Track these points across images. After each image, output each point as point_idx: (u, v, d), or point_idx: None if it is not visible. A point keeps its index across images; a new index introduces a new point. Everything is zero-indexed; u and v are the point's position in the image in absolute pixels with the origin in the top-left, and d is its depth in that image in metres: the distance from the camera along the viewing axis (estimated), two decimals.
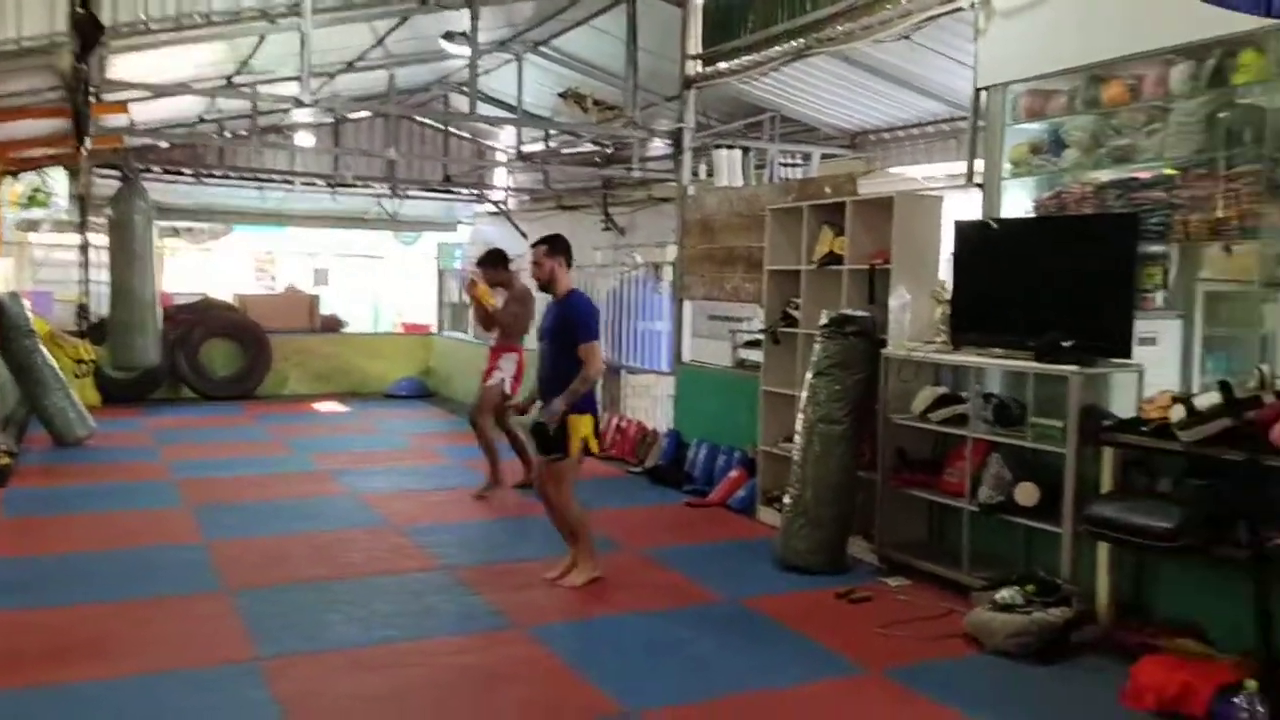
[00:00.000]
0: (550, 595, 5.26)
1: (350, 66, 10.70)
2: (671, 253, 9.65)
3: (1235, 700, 3.42)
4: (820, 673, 4.28)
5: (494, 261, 7.65)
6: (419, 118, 14.29)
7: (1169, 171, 4.87)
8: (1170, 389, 4.57)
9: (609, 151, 12.50)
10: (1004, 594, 4.59)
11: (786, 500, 5.86)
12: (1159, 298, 4.94)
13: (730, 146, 9.36)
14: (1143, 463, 4.45)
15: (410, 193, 15.64)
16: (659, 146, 10.92)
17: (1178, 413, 4.16)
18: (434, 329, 15.37)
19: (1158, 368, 4.82)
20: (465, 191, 15.88)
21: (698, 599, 5.26)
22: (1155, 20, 4.72)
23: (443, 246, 17.72)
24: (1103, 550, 4.56)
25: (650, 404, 10.10)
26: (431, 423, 11.70)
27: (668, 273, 10.21)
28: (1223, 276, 4.82)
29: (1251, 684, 3.41)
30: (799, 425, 5.86)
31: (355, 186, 14.57)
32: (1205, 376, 4.77)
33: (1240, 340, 4.74)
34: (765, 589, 5.40)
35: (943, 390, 5.53)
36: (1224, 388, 4.03)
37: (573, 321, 5.31)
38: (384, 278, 20.02)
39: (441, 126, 14.69)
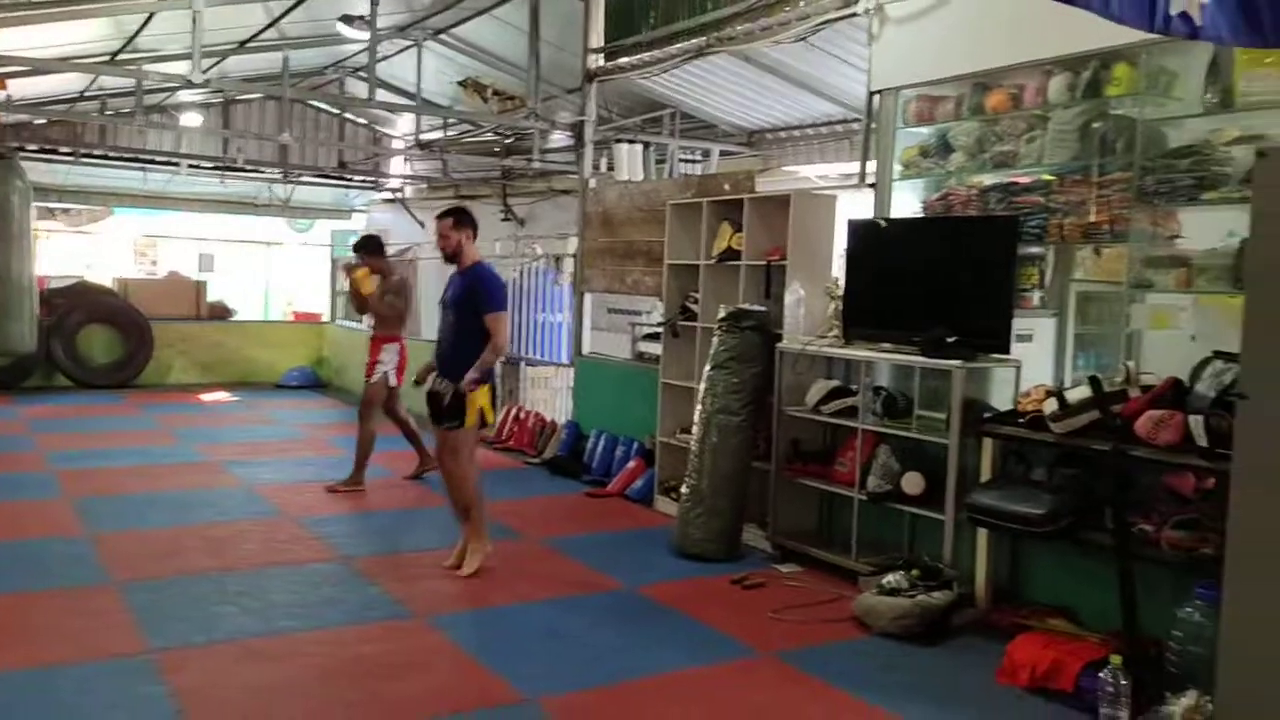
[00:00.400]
0: (450, 584, 5.26)
1: (242, 46, 10.40)
2: (572, 245, 9.68)
3: (1101, 675, 3.65)
4: (715, 656, 4.39)
5: (370, 248, 7.59)
6: (314, 102, 13.97)
7: (1046, 177, 5.13)
8: (1045, 383, 4.84)
9: (509, 142, 12.45)
10: (890, 579, 4.79)
11: (684, 490, 5.98)
12: (1036, 297, 5.21)
13: (631, 141, 9.45)
14: (1019, 453, 4.69)
15: (303, 178, 15.28)
16: (559, 138, 10.94)
17: (1051, 406, 4.40)
18: (327, 317, 15.06)
19: (1034, 363, 5.07)
20: (361, 178, 15.60)
21: (597, 587, 5.33)
22: (1037, 33, 4.96)
23: (337, 234, 17.38)
24: (982, 536, 4.79)
25: (549, 395, 10.14)
26: (325, 413, 11.49)
27: (568, 265, 10.24)
28: (1094, 278, 5.10)
29: (1116, 659, 3.64)
30: (697, 416, 5.99)
31: (245, 170, 14.16)
32: (1076, 372, 5.05)
33: (1108, 338, 5.04)
34: (663, 576, 5.51)
35: (835, 383, 5.72)
36: (1093, 383, 4.28)
37: (478, 291, 5.34)
38: (275, 265, 19.52)
39: (337, 111, 14.39)
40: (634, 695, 3.99)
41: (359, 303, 7.64)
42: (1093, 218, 4.88)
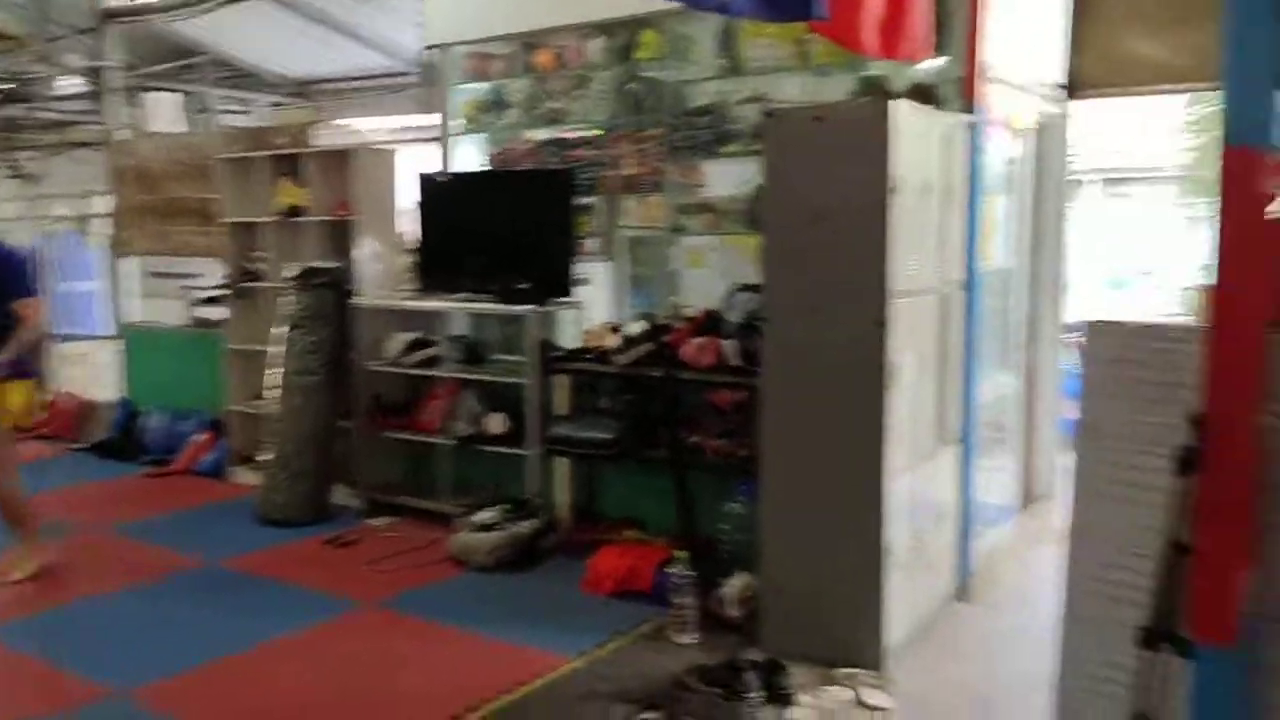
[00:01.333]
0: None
1: None
2: (101, 204, 8.75)
3: (670, 570, 4.19)
4: (316, 616, 4.39)
5: None
6: None
7: (594, 133, 5.61)
8: (607, 321, 5.34)
9: (8, 87, 10.84)
10: (482, 516, 5.06)
11: (266, 456, 5.80)
12: (593, 244, 5.69)
13: (165, 89, 8.70)
14: (590, 385, 5.15)
15: None
16: (75, 84, 9.74)
17: (614, 341, 4.90)
18: None
19: (596, 303, 5.57)
20: None
21: (176, 567, 5.05)
22: None
23: None
24: (561, 465, 5.21)
25: (89, 373, 9.13)
26: None
27: (98, 227, 9.24)
28: (640, 224, 5.65)
29: (681, 555, 4.20)
30: (275, 380, 5.81)
31: None
32: (632, 309, 5.61)
33: (656, 277, 5.64)
34: (249, 547, 5.33)
35: (415, 336, 5.83)
36: (647, 318, 4.83)
37: (3, 277, 4.73)
38: None
39: None
40: (234, 669, 3.89)
41: None
42: (634, 170, 5.43)
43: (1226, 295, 2.16)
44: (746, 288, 4.62)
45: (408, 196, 6.05)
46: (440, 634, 4.20)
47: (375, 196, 6.14)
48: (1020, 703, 3.46)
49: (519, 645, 4.06)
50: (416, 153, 6.87)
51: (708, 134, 5.21)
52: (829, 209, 3.74)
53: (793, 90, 5.03)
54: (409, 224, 6.09)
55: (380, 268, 6.07)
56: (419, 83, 6.52)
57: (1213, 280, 2.20)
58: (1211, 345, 2.18)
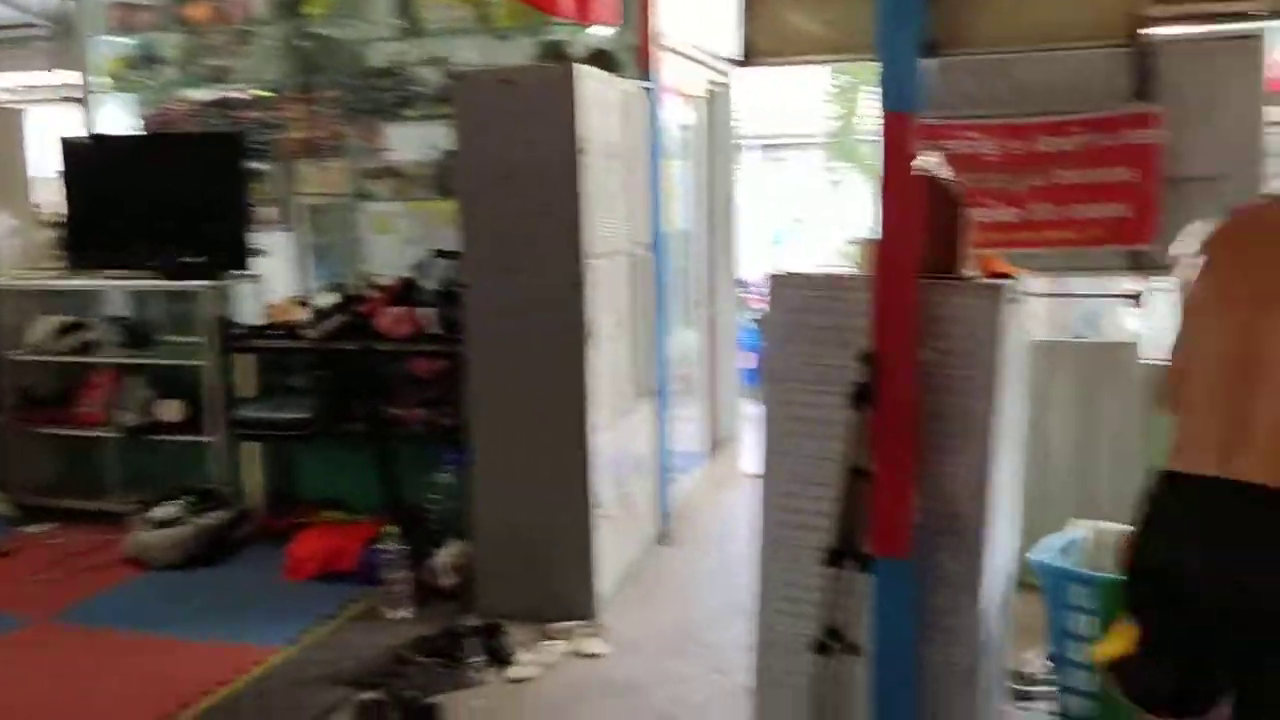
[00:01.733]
0: None
1: None
2: None
3: (380, 547, 4.08)
4: None
5: None
6: None
7: (264, 93, 5.27)
8: (292, 294, 5.06)
9: None
10: (161, 511, 4.67)
11: None
12: (270, 212, 5.34)
13: None
14: (278, 363, 4.87)
15: None
16: None
17: (303, 314, 4.66)
18: None
19: (278, 276, 5.24)
20: None
21: None
22: None
23: None
24: (251, 449, 4.91)
25: None
26: None
27: None
28: (321, 190, 5.38)
29: (392, 530, 4.11)
30: None
31: None
32: (318, 280, 5.34)
33: (342, 246, 5.40)
34: None
35: (65, 319, 5.22)
36: (338, 289, 4.63)
37: None
38: None
39: None
40: None
41: None
42: (310, 133, 5.17)
43: (888, 246, 2.43)
44: (443, 254, 4.56)
45: (45, 163, 5.39)
46: (126, 642, 3.85)
47: (2, 163, 5.43)
48: (723, 632, 3.73)
49: (219, 642, 3.81)
50: (52, 114, 6.11)
51: (389, 96, 5.06)
52: (520, 172, 3.78)
53: (472, 53, 4.97)
54: (49, 194, 5.43)
55: (15, 244, 5.39)
56: (50, 35, 5.77)
57: (876, 233, 2.46)
58: (877, 291, 2.44)
